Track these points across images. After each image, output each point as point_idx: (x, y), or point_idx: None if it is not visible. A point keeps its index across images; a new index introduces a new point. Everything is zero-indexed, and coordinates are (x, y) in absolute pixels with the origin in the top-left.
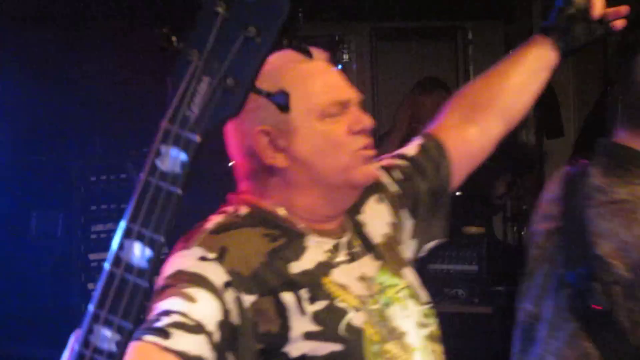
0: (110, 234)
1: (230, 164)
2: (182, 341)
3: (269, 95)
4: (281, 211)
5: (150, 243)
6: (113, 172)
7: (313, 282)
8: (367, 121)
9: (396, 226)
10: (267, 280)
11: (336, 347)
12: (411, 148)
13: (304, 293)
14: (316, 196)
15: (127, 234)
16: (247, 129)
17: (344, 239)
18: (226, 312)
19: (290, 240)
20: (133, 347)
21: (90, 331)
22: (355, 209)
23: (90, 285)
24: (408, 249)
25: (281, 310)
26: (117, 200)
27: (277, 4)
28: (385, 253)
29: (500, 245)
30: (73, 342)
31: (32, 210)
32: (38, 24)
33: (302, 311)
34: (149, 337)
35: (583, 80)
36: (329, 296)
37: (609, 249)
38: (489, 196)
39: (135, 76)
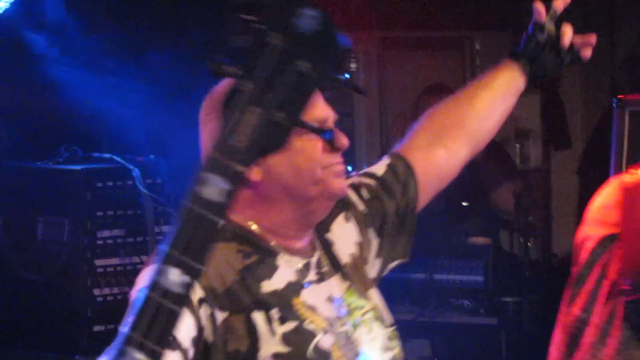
0: (117, 240)
1: None
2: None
3: (316, 130)
4: (253, 227)
5: (188, 270)
6: (119, 179)
7: (283, 303)
8: (344, 141)
9: (362, 245)
10: (240, 298)
11: None
12: (380, 167)
13: (274, 313)
14: (289, 210)
15: (167, 260)
16: None
17: (314, 259)
18: (200, 329)
19: (263, 258)
20: None
21: (122, 354)
22: (324, 226)
23: (95, 291)
24: (373, 268)
25: (251, 330)
26: (124, 206)
27: (333, 39)
28: (352, 274)
29: (506, 256)
30: None
31: (38, 215)
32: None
33: (272, 332)
34: None
35: (591, 91)
36: (298, 317)
37: None
38: (496, 211)
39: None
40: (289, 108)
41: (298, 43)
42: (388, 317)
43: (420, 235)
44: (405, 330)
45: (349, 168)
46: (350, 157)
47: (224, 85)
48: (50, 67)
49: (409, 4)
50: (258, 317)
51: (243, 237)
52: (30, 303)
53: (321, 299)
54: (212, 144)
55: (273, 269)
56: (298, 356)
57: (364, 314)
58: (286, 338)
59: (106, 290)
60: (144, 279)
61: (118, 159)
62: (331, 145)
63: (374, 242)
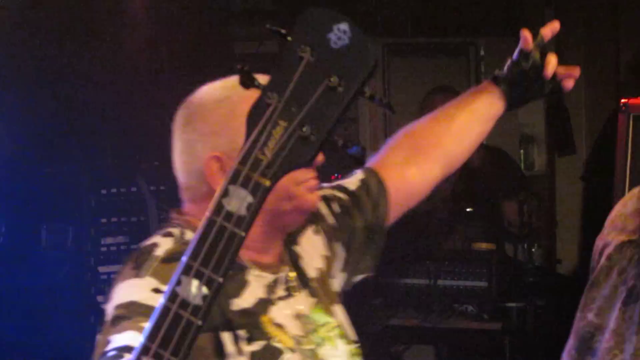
0: (120, 246)
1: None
2: None
3: (344, 148)
4: None
5: (207, 282)
6: (123, 185)
7: (251, 322)
8: (319, 157)
9: (329, 259)
10: (211, 316)
11: None
12: (353, 182)
13: (242, 333)
14: (260, 224)
15: (186, 271)
16: (198, 153)
17: (283, 274)
18: None
19: (233, 273)
20: None
21: None
22: (292, 239)
23: (99, 298)
24: (337, 282)
25: (219, 349)
26: (128, 213)
27: (363, 55)
28: (319, 289)
29: (510, 262)
30: None
31: (42, 222)
32: (46, 35)
33: (240, 351)
34: None
35: (595, 96)
36: (266, 336)
37: None
38: (500, 223)
39: (147, 88)
40: (317, 123)
41: (329, 58)
42: (352, 334)
43: (424, 240)
44: (409, 336)
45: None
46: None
47: (200, 95)
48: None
49: (413, 10)
50: (225, 336)
51: None
52: (34, 310)
53: (289, 316)
54: (237, 156)
55: (243, 284)
56: None
57: (329, 330)
58: (254, 357)
59: None
60: (120, 294)
61: (122, 166)
62: None
63: (341, 256)
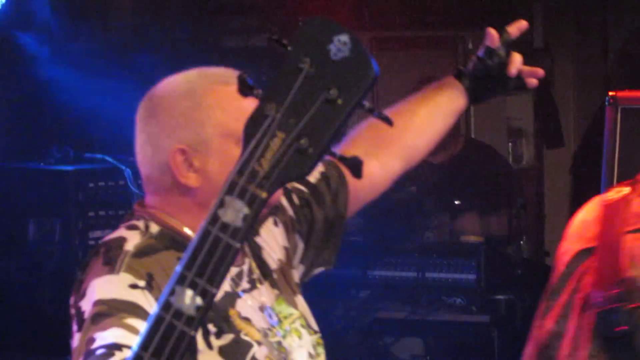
0: None
1: None
2: None
3: (342, 159)
4: (190, 232)
5: (202, 293)
6: (111, 179)
7: (220, 316)
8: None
9: (289, 251)
10: None
11: None
12: (313, 174)
13: (211, 327)
14: None
15: (181, 281)
16: (163, 145)
17: (245, 266)
18: None
19: None
20: None
21: None
22: (253, 230)
23: None
24: (297, 272)
25: (191, 346)
26: (115, 206)
27: (364, 67)
28: (280, 281)
29: (498, 254)
30: None
31: (29, 216)
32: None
33: (209, 345)
34: None
35: (583, 89)
36: (234, 330)
37: (639, 273)
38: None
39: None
40: (315, 135)
41: (328, 69)
42: (314, 324)
43: (412, 233)
44: (397, 329)
45: None
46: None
47: (163, 87)
48: (40, 68)
49: (401, 3)
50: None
51: (181, 243)
52: (22, 304)
53: (254, 308)
54: (234, 167)
55: None
56: None
57: (293, 321)
58: (223, 351)
59: None
60: (97, 291)
61: (109, 159)
62: None
63: (300, 248)
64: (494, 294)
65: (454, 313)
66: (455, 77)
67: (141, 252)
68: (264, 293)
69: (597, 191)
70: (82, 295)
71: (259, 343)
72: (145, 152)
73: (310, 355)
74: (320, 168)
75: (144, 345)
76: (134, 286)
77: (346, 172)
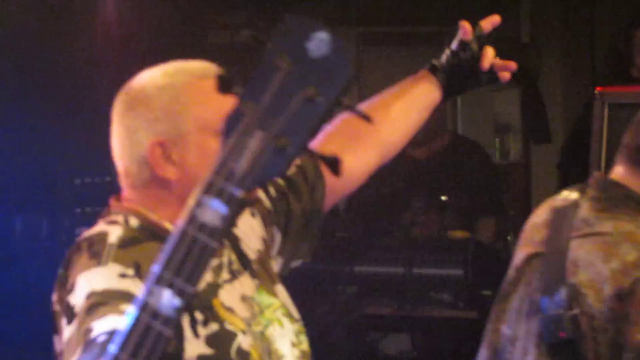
0: None
1: None
2: None
3: (321, 158)
4: (169, 226)
5: (180, 293)
6: (98, 175)
7: (204, 305)
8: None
9: (266, 241)
10: None
11: None
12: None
13: (197, 315)
14: None
15: (158, 281)
16: (140, 139)
17: (225, 257)
18: None
19: None
20: None
21: None
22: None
23: None
24: (275, 264)
25: (177, 332)
26: (102, 203)
27: (341, 65)
28: (260, 271)
29: (486, 250)
30: None
31: (16, 213)
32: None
33: (196, 334)
34: None
35: (570, 84)
36: (219, 319)
37: (584, 279)
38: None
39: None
40: (294, 134)
41: (307, 67)
42: (295, 313)
43: (399, 229)
44: (384, 324)
45: None
46: None
47: (141, 81)
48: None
49: None
50: (184, 319)
51: (162, 237)
52: (8, 301)
53: (236, 298)
54: (212, 166)
55: None
56: (222, 358)
57: (274, 311)
58: (209, 340)
59: None
60: (87, 283)
61: (97, 155)
62: None
63: (277, 240)
64: (482, 290)
65: (441, 309)
66: (429, 70)
67: (125, 243)
68: (245, 283)
69: None
70: (70, 291)
71: (244, 332)
72: (122, 145)
73: (293, 343)
74: (296, 161)
75: (122, 346)
76: (123, 275)
77: (323, 165)
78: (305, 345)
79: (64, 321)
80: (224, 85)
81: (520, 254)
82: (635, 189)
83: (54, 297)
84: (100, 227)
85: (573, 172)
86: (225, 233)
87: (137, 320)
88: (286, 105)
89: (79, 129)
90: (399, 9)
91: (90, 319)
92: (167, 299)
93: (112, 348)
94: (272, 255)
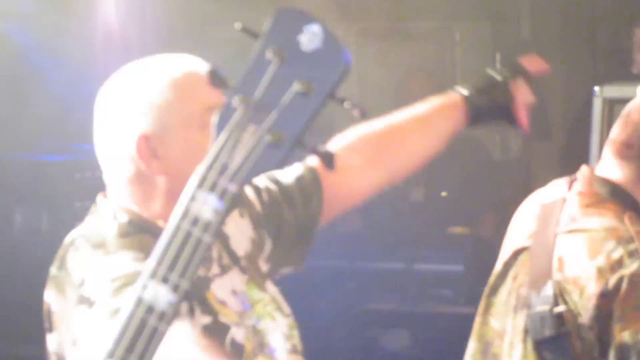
0: None
1: None
2: None
3: (315, 151)
4: (160, 222)
5: (174, 288)
6: (98, 169)
7: (199, 296)
8: None
9: (255, 242)
10: None
11: None
12: (288, 176)
13: (196, 306)
14: None
15: (152, 275)
16: (127, 134)
17: (215, 252)
18: None
19: None
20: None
21: None
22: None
23: None
24: (264, 267)
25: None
26: None
27: (335, 59)
28: (249, 267)
29: (485, 246)
30: None
31: (16, 206)
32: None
33: (193, 324)
34: None
35: (571, 81)
36: (213, 311)
37: (569, 276)
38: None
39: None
40: (287, 128)
41: (299, 61)
42: (286, 308)
43: (399, 225)
44: (385, 320)
45: None
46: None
47: (124, 75)
48: (28, 58)
49: None
50: (182, 307)
51: (152, 231)
52: (8, 295)
53: (227, 292)
54: (205, 160)
55: None
56: (218, 350)
57: (265, 305)
58: (205, 331)
59: None
60: (102, 273)
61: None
62: None
63: (267, 246)
64: (482, 286)
65: (442, 305)
66: (463, 99)
67: (124, 234)
68: (235, 278)
69: None
70: (79, 285)
71: (237, 325)
72: (107, 141)
73: (285, 337)
74: (297, 170)
75: (117, 341)
76: (136, 259)
77: (325, 179)
78: (297, 339)
79: (79, 310)
80: (216, 79)
81: (507, 248)
82: (622, 184)
83: (49, 297)
84: (91, 223)
85: (574, 168)
86: (219, 227)
87: (131, 315)
88: (279, 99)
89: (80, 121)
90: (398, 4)
91: (117, 301)
92: (162, 294)
93: (107, 344)
94: (261, 258)
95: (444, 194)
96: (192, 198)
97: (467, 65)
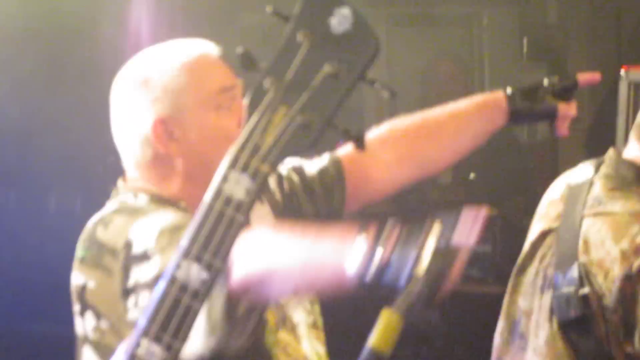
0: None
1: None
2: None
3: (346, 133)
4: (182, 203)
5: (207, 266)
6: None
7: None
8: None
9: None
10: None
11: None
12: (311, 167)
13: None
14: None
15: (186, 255)
16: (143, 117)
17: None
18: None
19: None
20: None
21: (138, 345)
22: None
23: None
24: None
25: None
26: None
27: (366, 40)
28: None
29: (513, 226)
30: (119, 353)
31: (51, 189)
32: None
33: None
34: None
35: (597, 65)
36: None
37: (594, 258)
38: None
39: None
40: (317, 109)
41: (330, 43)
42: None
43: (427, 207)
44: None
45: None
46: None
47: (140, 60)
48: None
49: None
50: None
51: (177, 207)
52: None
53: None
54: (237, 141)
55: None
56: None
57: None
58: None
59: None
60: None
61: None
62: None
63: None
64: (510, 266)
65: (470, 284)
66: (506, 99)
67: (146, 210)
68: None
69: None
70: (127, 246)
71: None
72: (124, 126)
73: (307, 311)
74: (322, 162)
75: (151, 319)
76: (176, 211)
77: (347, 172)
78: (317, 314)
79: (135, 268)
80: (247, 61)
81: (535, 229)
82: None
83: (79, 279)
84: (114, 204)
85: (599, 151)
86: (252, 207)
87: (165, 294)
88: (309, 80)
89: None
90: None
91: (169, 252)
92: (195, 273)
93: (141, 321)
94: None
95: (472, 175)
96: (225, 178)
97: (494, 50)
